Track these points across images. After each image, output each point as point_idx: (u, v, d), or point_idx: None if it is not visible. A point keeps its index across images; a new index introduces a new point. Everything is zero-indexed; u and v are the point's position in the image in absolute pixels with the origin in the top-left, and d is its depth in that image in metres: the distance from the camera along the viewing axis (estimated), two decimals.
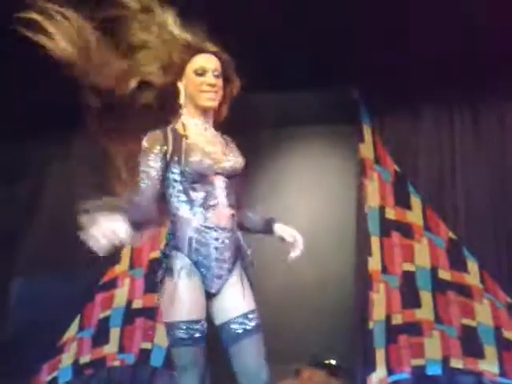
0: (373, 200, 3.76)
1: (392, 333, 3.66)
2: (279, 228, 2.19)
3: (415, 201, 3.75)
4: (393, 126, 3.83)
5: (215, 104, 2.07)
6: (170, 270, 1.95)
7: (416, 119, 3.81)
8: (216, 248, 2.00)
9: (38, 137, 4.17)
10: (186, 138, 2.01)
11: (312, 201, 5.27)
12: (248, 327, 2.00)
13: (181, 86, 2.07)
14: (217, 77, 2.05)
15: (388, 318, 3.68)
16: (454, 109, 3.76)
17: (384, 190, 3.78)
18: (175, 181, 2.00)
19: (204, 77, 2.04)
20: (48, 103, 4.05)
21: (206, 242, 1.99)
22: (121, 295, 4.01)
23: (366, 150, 3.81)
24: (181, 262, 1.96)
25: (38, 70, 3.91)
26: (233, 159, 2.07)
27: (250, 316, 2.01)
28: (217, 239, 2.00)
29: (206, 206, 2.00)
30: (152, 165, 1.97)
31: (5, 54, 3.70)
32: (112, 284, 4.03)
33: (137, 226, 1.85)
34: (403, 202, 3.75)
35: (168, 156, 1.99)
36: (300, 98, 4.21)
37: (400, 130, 3.82)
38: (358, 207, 3.83)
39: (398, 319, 3.67)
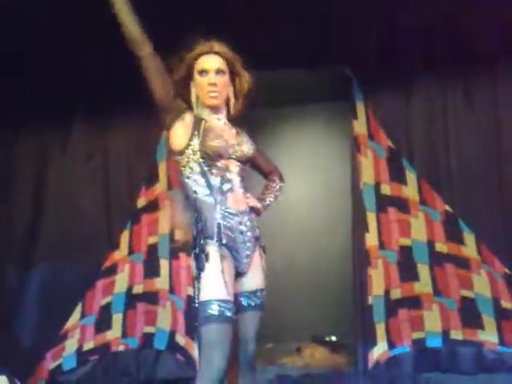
0: (368, 176, 3.76)
1: (391, 307, 3.69)
2: None
3: (410, 176, 3.75)
4: (385, 102, 3.80)
5: (218, 102, 2.22)
6: (204, 256, 2.10)
7: (408, 94, 3.78)
8: (241, 232, 2.18)
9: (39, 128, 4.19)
10: (206, 122, 2.17)
11: (307, 179, 5.30)
12: (253, 303, 2.22)
13: (192, 86, 2.23)
14: (219, 75, 2.20)
15: (387, 293, 3.70)
16: (446, 81, 3.74)
17: (378, 166, 3.77)
18: (195, 163, 2.15)
19: (206, 76, 2.19)
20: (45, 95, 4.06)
21: (232, 227, 2.16)
22: (121, 281, 4.02)
23: (360, 126, 3.79)
24: (213, 247, 2.12)
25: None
26: (245, 146, 2.24)
27: (259, 294, 2.23)
28: (240, 223, 2.19)
29: (223, 190, 2.16)
30: None
31: None
32: (112, 270, 4.05)
33: None
34: (398, 178, 3.75)
35: (189, 132, 2.15)
36: (292, 76, 4.20)
37: (393, 106, 3.80)
38: (353, 184, 3.83)
39: (396, 294, 3.70)
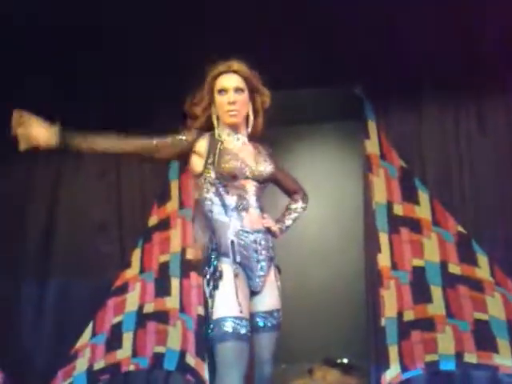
0: (380, 196, 3.74)
1: (404, 329, 3.64)
2: None
3: (423, 196, 3.73)
4: (397, 121, 3.80)
5: (237, 120, 2.25)
6: (218, 273, 2.12)
7: (420, 113, 3.78)
8: (256, 250, 2.19)
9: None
10: (222, 143, 2.22)
11: (319, 198, 5.27)
12: (269, 324, 2.20)
13: (213, 107, 2.26)
14: (238, 93, 2.23)
15: (400, 314, 3.66)
16: (458, 101, 3.74)
17: (391, 185, 3.75)
18: (210, 184, 2.19)
19: (225, 95, 2.23)
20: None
21: (246, 245, 2.17)
22: (132, 300, 4.02)
23: (372, 146, 3.79)
24: (227, 265, 2.14)
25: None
26: (262, 165, 2.24)
27: (275, 314, 2.22)
28: (255, 241, 2.19)
29: (238, 209, 2.18)
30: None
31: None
32: (123, 289, 4.04)
33: None
34: (411, 198, 3.73)
35: (204, 156, 2.20)
36: (304, 97, 4.23)
37: (405, 125, 3.80)
38: (365, 204, 3.81)
39: (409, 315, 3.66)
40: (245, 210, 2.19)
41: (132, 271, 4.06)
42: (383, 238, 3.71)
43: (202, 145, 2.23)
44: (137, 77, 3.96)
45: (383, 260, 3.70)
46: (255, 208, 2.23)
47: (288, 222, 2.40)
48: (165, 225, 4.02)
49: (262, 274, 2.20)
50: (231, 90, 2.23)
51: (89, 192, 4.16)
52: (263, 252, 2.21)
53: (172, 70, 3.81)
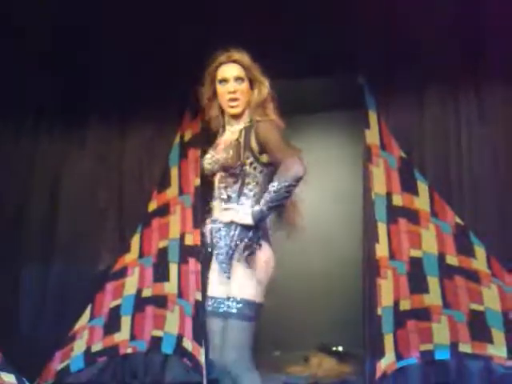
0: (379, 187, 3.75)
1: (400, 318, 3.66)
2: None
3: (422, 187, 3.73)
4: (398, 111, 3.80)
5: (238, 110, 2.26)
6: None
7: (421, 104, 3.78)
8: (213, 238, 2.26)
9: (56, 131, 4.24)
10: (215, 143, 2.34)
11: (319, 188, 5.28)
12: (220, 310, 2.20)
13: (216, 98, 2.30)
14: (238, 83, 2.25)
15: (396, 304, 3.68)
16: (459, 93, 3.73)
17: (390, 176, 3.76)
18: None
19: (226, 85, 2.25)
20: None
21: (212, 234, 2.27)
22: (131, 284, 4.05)
23: (372, 136, 3.78)
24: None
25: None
26: (220, 154, 2.23)
27: (229, 301, 2.16)
28: (212, 230, 2.27)
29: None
30: None
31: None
32: (122, 273, 4.07)
33: None
34: (410, 188, 3.73)
35: None
36: (305, 86, 4.22)
37: (405, 115, 3.80)
38: (364, 194, 3.82)
39: (406, 305, 3.68)
40: (212, 201, 2.29)
41: (131, 256, 4.08)
42: (382, 228, 3.72)
43: None
44: (137, 76, 3.98)
45: (381, 250, 3.71)
46: (216, 199, 2.28)
47: (262, 204, 2.10)
48: (164, 211, 4.05)
49: (221, 260, 2.23)
50: (231, 79, 2.25)
51: (90, 177, 4.18)
52: (220, 242, 2.22)
53: (172, 67, 3.85)
